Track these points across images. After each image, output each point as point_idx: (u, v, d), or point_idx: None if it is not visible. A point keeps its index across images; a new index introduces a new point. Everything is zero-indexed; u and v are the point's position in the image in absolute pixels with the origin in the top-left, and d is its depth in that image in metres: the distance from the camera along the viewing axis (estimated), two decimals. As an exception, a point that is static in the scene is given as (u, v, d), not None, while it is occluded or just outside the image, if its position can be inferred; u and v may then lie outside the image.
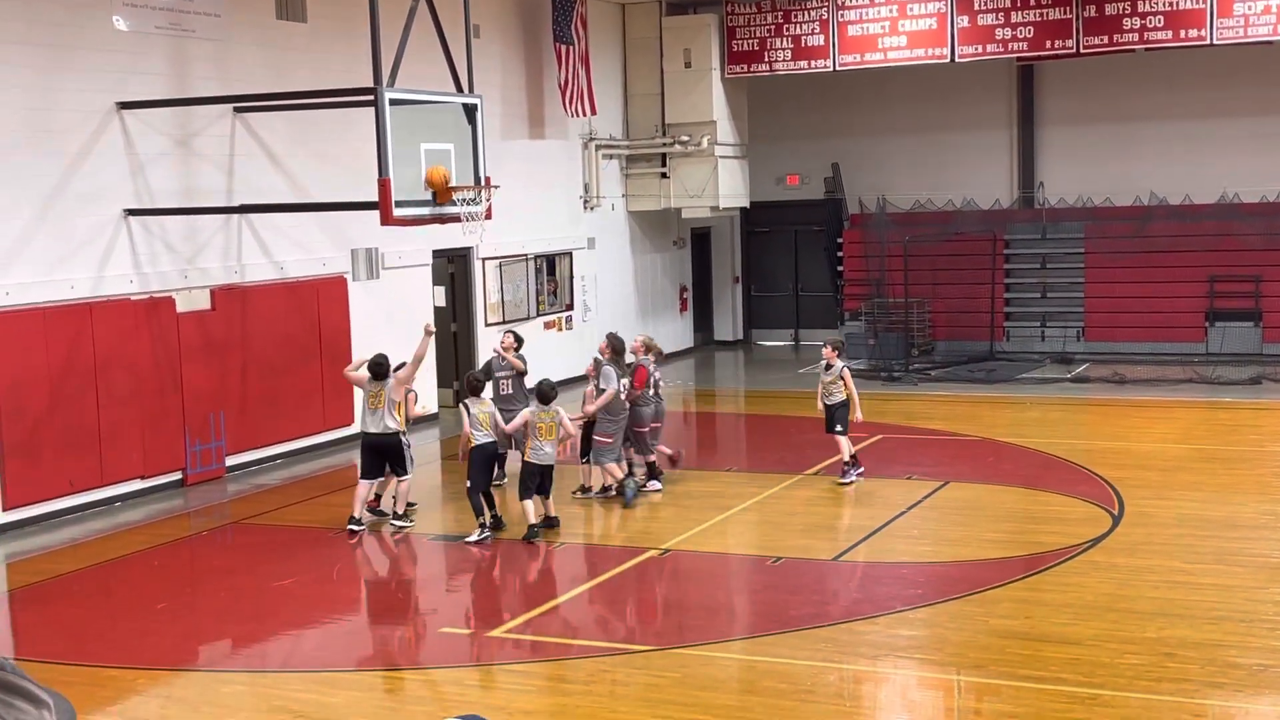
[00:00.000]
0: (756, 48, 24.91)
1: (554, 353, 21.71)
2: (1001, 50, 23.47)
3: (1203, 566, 11.53)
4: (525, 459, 13.22)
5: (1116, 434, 18.23)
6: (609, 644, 10.29)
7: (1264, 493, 14.35)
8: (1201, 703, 8.54)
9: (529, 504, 13.05)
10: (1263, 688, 8.80)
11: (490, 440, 13.28)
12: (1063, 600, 10.69)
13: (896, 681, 9.30)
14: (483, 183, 15.36)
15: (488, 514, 13.29)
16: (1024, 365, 24.16)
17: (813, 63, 24.51)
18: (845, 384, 15.09)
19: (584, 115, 23.35)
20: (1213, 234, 24.28)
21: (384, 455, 13.88)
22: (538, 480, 13.18)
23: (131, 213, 15.45)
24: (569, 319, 23.59)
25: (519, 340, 15.40)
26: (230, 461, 16.66)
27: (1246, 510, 13.52)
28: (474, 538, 13.12)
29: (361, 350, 18.42)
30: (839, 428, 15.05)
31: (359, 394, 14.48)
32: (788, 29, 24.59)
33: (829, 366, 15.21)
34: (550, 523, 13.36)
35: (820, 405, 15.34)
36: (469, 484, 13.30)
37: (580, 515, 14.39)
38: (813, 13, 24.30)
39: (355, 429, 18.39)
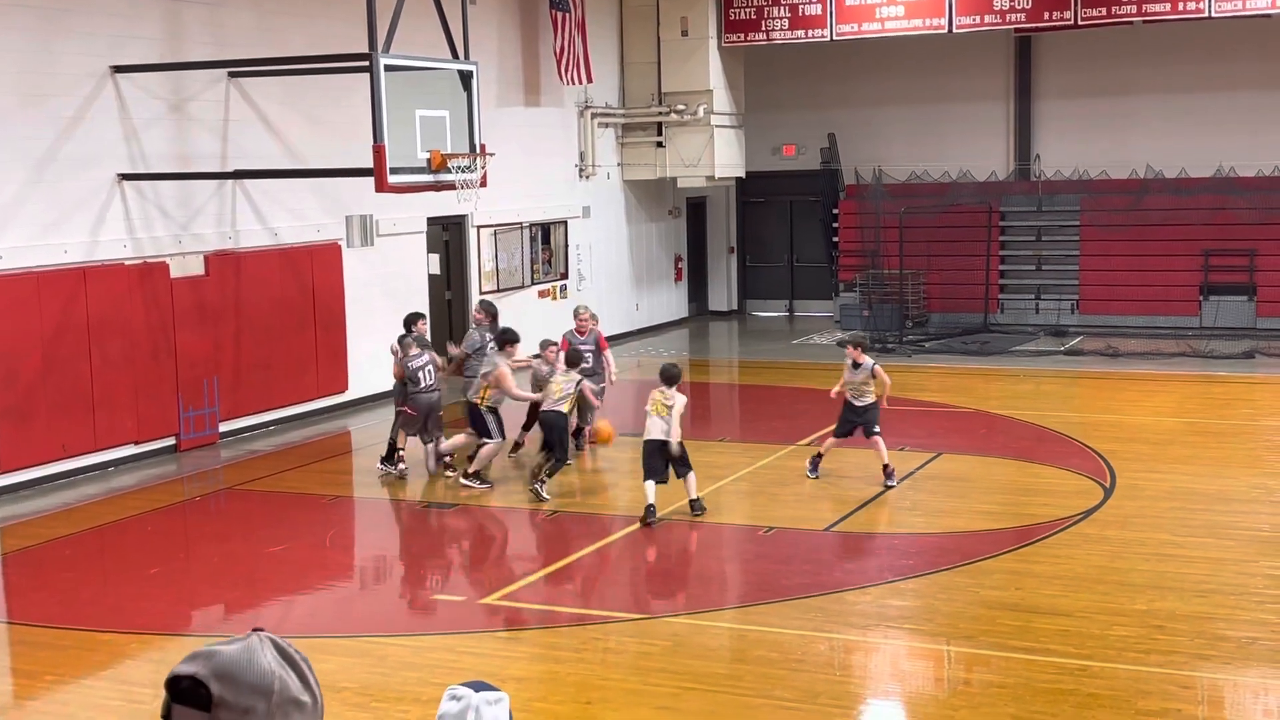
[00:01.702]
0: (754, 16, 24.80)
1: (548, 321, 21.66)
2: (999, 21, 23.39)
3: (1194, 540, 11.57)
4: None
5: (1109, 407, 18.26)
6: (601, 612, 10.32)
7: (1256, 467, 14.39)
8: (1190, 674, 8.57)
9: (649, 484, 12.60)
10: (1251, 660, 8.85)
11: (554, 411, 13.46)
12: (1053, 572, 10.73)
13: (887, 651, 9.34)
14: (478, 150, 15.31)
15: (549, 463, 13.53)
16: (1018, 338, 24.17)
17: (810, 32, 24.41)
18: (880, 379, 13.87)
19: (580, 83, 23.26)
20: (1208, 208, 24.27)
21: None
22: (655, 460, 12.59)
23: (125, 177, 15.39)
24: (563, 288, 23.57)
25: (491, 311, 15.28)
26: (224, 427, 16.66)
27: (1238, 484, 13.55)
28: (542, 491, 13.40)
29: (355, 319, 18.47)
30: (878, 429, 13.81)
31: None
32: (785, -2, 24.48)
33: (856, 365, 13.81)
34: (694, 506, 12.63)
35: (843, 395, 13.93)
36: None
37: (574, 485, 14.43)
38: (810, -18, 24.22)
39: (349, 396, 18.55)
